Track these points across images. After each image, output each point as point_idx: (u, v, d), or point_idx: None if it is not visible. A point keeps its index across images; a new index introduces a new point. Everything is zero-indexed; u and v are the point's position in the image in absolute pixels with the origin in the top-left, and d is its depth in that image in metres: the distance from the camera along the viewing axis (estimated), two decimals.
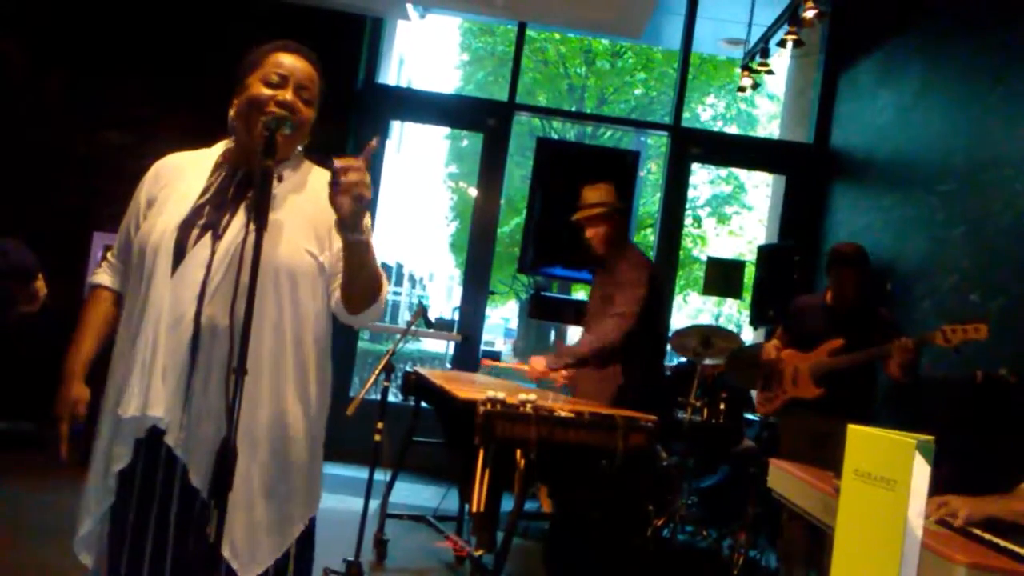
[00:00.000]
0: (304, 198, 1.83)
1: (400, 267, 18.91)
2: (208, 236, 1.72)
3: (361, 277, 1.75)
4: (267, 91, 1.77)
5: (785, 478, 2.28)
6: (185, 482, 1.70)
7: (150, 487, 1.72)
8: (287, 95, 1.78)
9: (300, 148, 1.91)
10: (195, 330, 1.68)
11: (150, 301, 1.70)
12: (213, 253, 1.70)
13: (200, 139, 1.92)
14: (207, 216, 1.75)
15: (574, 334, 11.21)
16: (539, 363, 3.94)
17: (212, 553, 1.61)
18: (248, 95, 1.78)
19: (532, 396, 3.06)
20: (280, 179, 1.76)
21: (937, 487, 1.83)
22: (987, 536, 1.69)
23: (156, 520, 1.71)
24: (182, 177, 1.83)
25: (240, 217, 1.74)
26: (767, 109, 17.34)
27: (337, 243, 1.80)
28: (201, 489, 1.68)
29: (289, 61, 1.81)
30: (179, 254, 1.71)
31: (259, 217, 1.61)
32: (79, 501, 1.78)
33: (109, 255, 1.92)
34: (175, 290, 1.69)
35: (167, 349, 1.67)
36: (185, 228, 1.73)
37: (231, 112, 1.83)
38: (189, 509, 1.71)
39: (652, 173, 14.99)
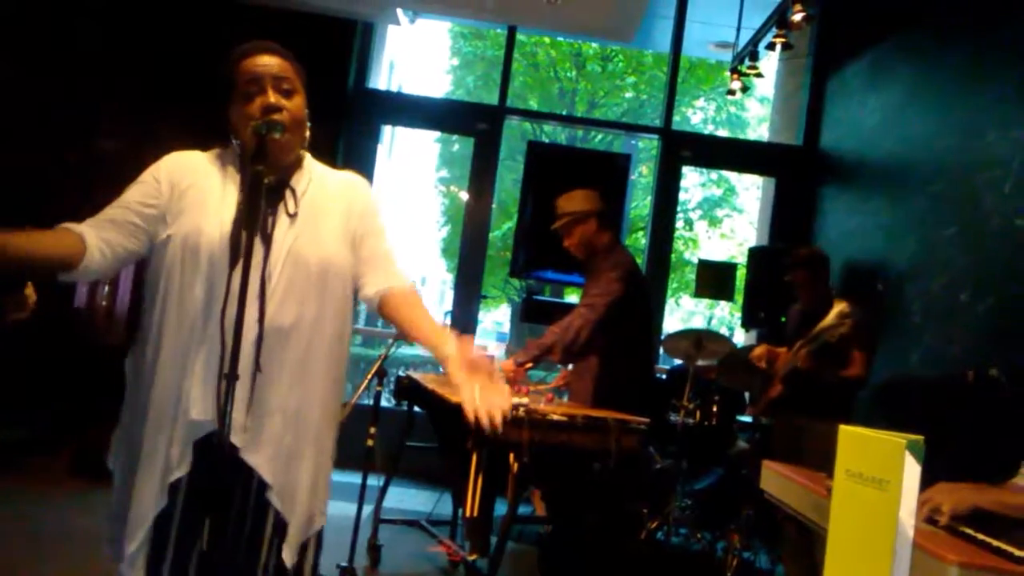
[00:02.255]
0: (331, 199, 1.89)
1: None
2: (258, 239, 1.72)
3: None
4: (249, 106, 1.78)
5: (778, 480, 2.28)
6: (246, 484, 1.74)
7: (197, 491, 1.72)
8: (268, 98, 1.77)
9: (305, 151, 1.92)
10: (259, 331, 1.71)
11: (213, 305, 1.70)
12: (267, 256, 1.73)
13: (195, 146, 1.92)
14: (250, 219, 1.74)
15: None
16: (508, 364, 3.88)
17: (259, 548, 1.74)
18: (235, 114, 1.80)
19: (525, 400, 3.06)
20: (269, 182, 1.75)
21: (929, 485, 1.84)
22: (979, 535, 1.69)
23: (211, 525, 1.70)
24: (210, 178, 1.82)
25: (283, 219, 1.79)
26: (757, 112, 17.38)
27: (367, 245, 1.91)
28: (272, 486, 1.74)
29: (256, 63, 1.80)
30: (233, 260, 1.70)
31: (250, 220, 1.65)
32: (130, 514, 1.71)
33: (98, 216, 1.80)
34: (235, 293, 1.67)
35: (234, 352, 1.68)
36: (235, 235, 1.73)
37: (231, 127, 1.84)
38: (244, 511, 1.74)
39: (643, 176, 15.00)
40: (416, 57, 18.21)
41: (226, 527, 1.71)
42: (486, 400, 1.64)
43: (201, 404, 1.69)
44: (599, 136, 14.68)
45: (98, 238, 1.75)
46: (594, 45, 15.39)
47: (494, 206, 6.85)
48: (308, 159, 1.92)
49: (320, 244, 1.81)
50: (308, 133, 1.90)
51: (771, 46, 5.18)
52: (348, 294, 1.89)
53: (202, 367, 1.70)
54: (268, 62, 1.80)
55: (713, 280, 6.47)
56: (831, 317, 3.46)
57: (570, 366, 4.11)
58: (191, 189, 1.80)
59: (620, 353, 3.86)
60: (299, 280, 1.77)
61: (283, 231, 1.78)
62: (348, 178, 1.98)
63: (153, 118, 5.81)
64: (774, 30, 5.09)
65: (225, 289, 1.68)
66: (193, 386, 1.70)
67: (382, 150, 7.00)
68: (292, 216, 1.80)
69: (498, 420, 1.62)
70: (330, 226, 1.85)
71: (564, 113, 14.86)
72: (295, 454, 1.78)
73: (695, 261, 11.43)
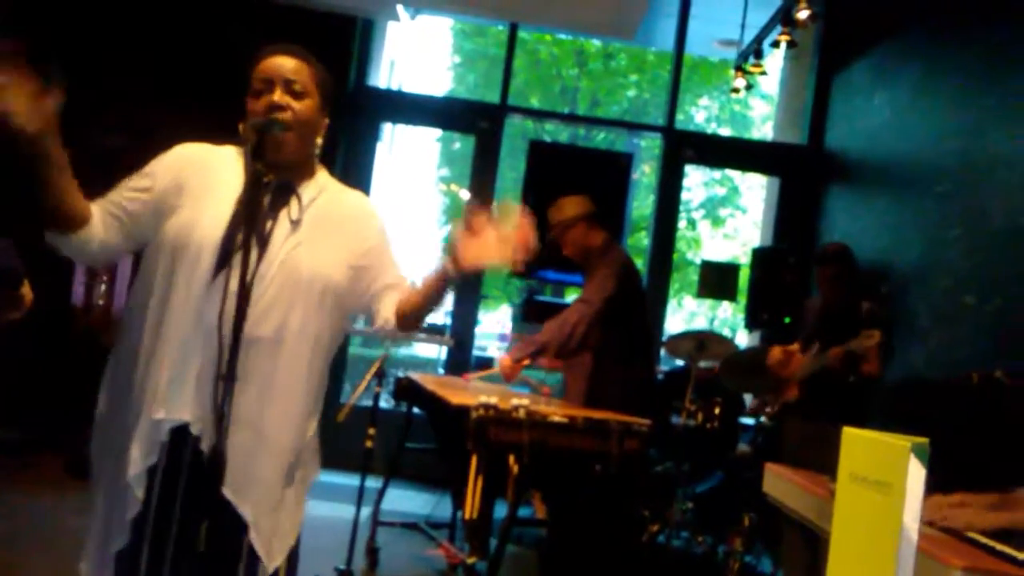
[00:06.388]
0: (342, 219, 1.87)
1: None
2: (253, 242, 1.69)
3: (437, 306, 1.95)
4: (257, 103, 1.78)
5: (781, 483, 2.26)
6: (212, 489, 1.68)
7: (171, 493, 1.69)
8: (274, 96, 1.77)
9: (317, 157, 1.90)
10: (234, 338, 1.64)
11: (189, 303, 1.67)
12: (259, 261, 1.68)
13: (196, 140, 1.90)
14: (248, 222, 1.73)
15: None
16: (505, 360, 3.89)
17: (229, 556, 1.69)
18: (246, 111, 1.80)
19: (525, 401, 3.03)
20: (271, 182, 1.77)
21: (934, 489, 1.81)
22: (983, 539, 1.67)
23: (179, 526, 1.69)
24: (215, 173, 1.80)
25: (282, 226, 1.76)
26: (761, 110, 17.33)
27: (375, 270, 1.90)
28: (231, 499, 1.68)
29: (271, 64, 1.81)
30: (223, 259, 1.68)
31: (249, 219, 1.66)
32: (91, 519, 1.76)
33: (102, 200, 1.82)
34: (215, 295, 1.66)
35: (205, 355, 1.65)
36: (230, 232, 1.71)
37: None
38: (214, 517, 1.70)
39: (646, 175, 14.96)
40: (417, 54, 18.18)
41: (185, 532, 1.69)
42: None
43: (166, 405, 1.66)
44: (601, 135, 14.65)
45: (100, 219, 1.77)
46: (596, 43, 15.36)
47: (495, 205, 6.82)
48: (322, 172, 1.91)
49: (318, 258, 1.78)
50: (320, 140, 1.87)
51: (776, 44, 5.16)
52: (339, 316, 1.85)
53: (172, 366, 1.67)
54: (283, 62, 1.81)
55: (716, 281, 6.44)
56: (862, 337, 3.43)
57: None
58: (192, 184, 1.78)
59: (615, 352, 3.84)
60: (289, 289, 1.73)
61: (283, 236, 1.75)
62: (360, 202, 1.97)
63: (153, 114, 5.78)
64: (779, 28, 5.07)
65: (209, 289, 1.67)
66: (160, 385, 1.66)
67: (382, 148, 6.98)
68: (294, 223, 1.77)
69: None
70: (334, 244, 1.83)
71: (566, 111, 14.83)
72: (256, 468, 1.72)
73: (698, 261, 11.40)
